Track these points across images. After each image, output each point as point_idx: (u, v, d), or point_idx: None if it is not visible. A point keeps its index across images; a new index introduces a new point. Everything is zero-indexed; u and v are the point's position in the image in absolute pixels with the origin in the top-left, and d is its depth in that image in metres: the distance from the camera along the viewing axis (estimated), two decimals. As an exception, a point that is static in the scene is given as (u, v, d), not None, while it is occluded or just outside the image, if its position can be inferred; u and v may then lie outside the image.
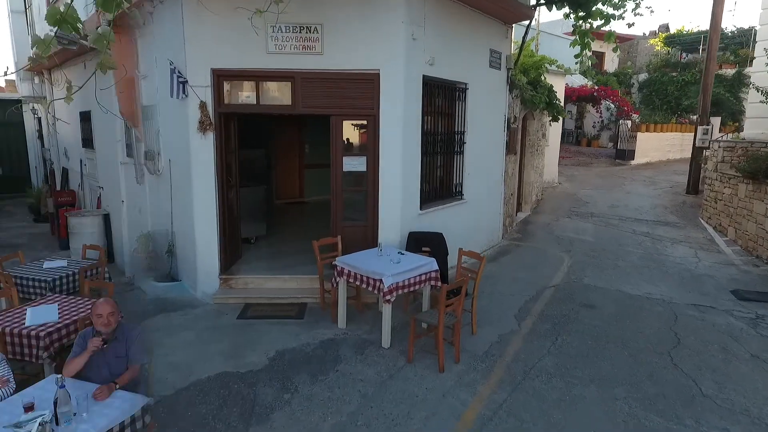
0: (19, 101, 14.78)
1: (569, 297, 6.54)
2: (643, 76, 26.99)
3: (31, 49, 2.73)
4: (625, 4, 6.27)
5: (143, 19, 6.75)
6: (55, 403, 3.05)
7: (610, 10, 7.67)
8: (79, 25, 2.70)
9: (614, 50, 8.24)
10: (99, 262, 6.61)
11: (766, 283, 7.28)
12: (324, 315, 5.82)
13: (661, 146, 21.34)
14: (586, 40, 7.93)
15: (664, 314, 6.04)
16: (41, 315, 4.66)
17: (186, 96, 5.98)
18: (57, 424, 3.04)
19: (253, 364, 4.69)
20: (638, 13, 7.39)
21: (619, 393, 4.33)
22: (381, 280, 4.84)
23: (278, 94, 6.26)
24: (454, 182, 7.72)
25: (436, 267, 5.36)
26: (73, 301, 5.22)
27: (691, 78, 24.11)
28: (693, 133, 23.21)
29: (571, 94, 20.39)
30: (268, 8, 4.34)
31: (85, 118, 9.65)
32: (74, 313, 4.85)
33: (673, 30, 29.73)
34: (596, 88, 22.51)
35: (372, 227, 6.48)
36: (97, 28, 2.86)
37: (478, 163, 8.08)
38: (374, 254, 5.51)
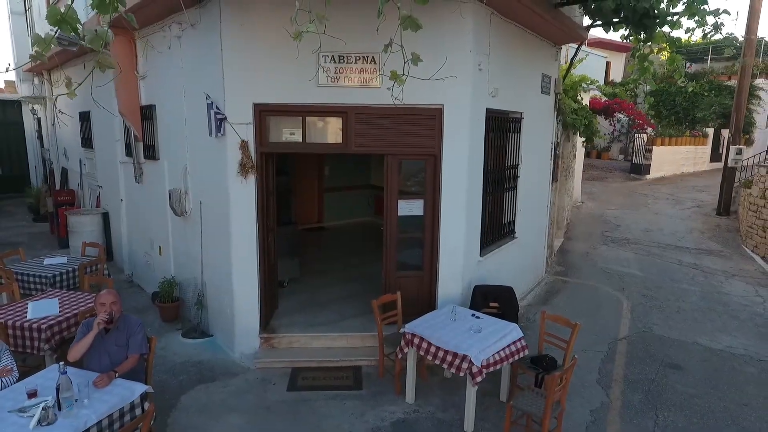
0: (18, 102, 14.72)
1: (647, 354, 5.91)
2: (648, 87, 26.57)
3: (32, 47, 2.63)
4: (706, 20, 5.65)
5: (168, 43, 6.07)
6: (58, 389, 3.17)
7: (676, 33, 7.06)
8: (79, 26, 2.57)
9: (678, 77, 7.64)
10: (98, 258, 6.86)
11: None
12: (384, 383, 5.12)
13: (675, 160, 20.95)
14: (645, 64, 7.34)
15: (761, 378, 5.43)
16: (42, 309, 4.86)
17: (223, 134, 5.26)
18: (59, 409, 3.17)
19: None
20: (720, 24, 6.71)
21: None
22: (467, 358, 4.16)
23: (327, 131, 5.57)
24: (506, 220, 7.07)
25: (520, 333, 4.70)
26: (73, 295, 5.38)
27: (700, 89, 23.75)
28: (706, 146, 23.21)
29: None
30: (308, 28, 3.31)
31: (85, 118, 9.64)
32: (74, 307, 5.05)
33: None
34: (607, 100, 22.05)
35: (430, 278, 5.80)
36: (95, 30, 2.60)
37: (528, 197, 7.45)
38: (447, 319, 4.83)
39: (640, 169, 19.94)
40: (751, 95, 22.43)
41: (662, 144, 20.11)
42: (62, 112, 9.34)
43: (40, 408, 3.09)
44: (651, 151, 19.70)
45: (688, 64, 27.07)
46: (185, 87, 5.97)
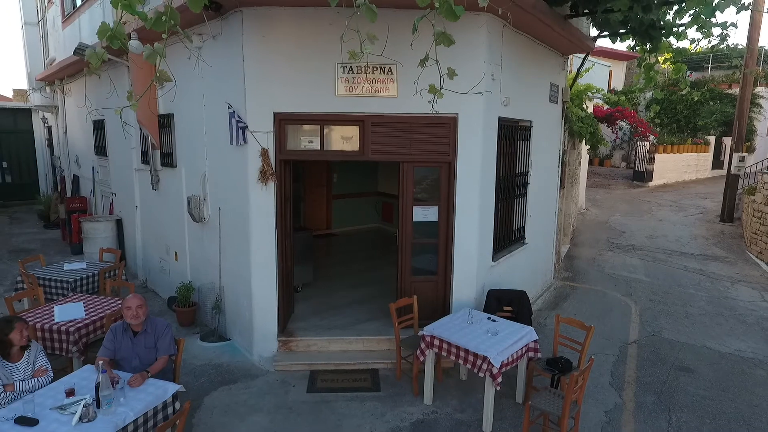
0: (29, 110, 14.93)
1: (658, 357, 6.02)
2: (649, 95, 26.77)
3: (85, 60, 3.12)
4: (712, 32, 5.81)
5: (190, 51, 6.24)
6: (97, 387, 3.28)
7: (680, 44, 7.23)
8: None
9: (684, 86, 7.79)
10: (116, 264, 7.01)
11: None
12: (401, 385, 5.23)
13: (677, 167, 21.11)
14: (651, 74, 7.51)
15: (770, 380, 5.55)
16: (69, 312, 5.03)
17: (246, 142, 5.41)
18: (98, 406, 3.27)
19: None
20: (726, 35, 6.90)
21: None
22: (487, 359, 4.28)
23: (344, 139, 5.71)
24: (516, 226, 7.20)
25: (535, 336, 4.82)
26: (96, 299, 5.58)
27: (701, 97, 23.95)
28: (707, 154, 23.38)
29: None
30: (363, 49, 3.48)
31: (99, 126, 9.88)
32: (99, 310, 5.24)
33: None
34: (609, 108, 22.24)
35: (444, 282, 5.92)
36: (152, 47, 2.85)
37: (537, 203, 7.60)
38: (463, 322, 4.95)
39: (642, 177, 20.09)
40: (752, 103, 22.60)
41: (664, 151, 20.27)
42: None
43: (81, 405, 3.21)
44: (653, 158, 19.86)
45: (688, 73, 27.26)
46: (205, 96, 6.14)
